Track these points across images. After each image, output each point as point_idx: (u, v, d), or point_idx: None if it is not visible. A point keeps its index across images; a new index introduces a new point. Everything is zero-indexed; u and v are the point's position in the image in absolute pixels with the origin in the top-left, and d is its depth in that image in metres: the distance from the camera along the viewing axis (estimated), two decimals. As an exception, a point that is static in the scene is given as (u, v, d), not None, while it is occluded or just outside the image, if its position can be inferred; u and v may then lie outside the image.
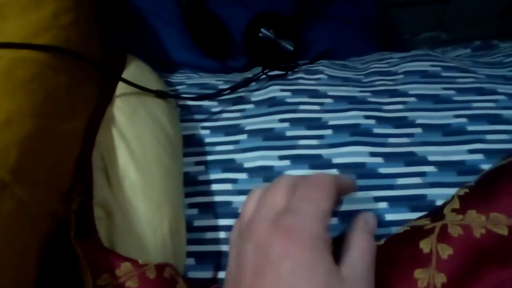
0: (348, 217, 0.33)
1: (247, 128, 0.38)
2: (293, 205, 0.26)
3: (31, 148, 0.25)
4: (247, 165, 0.36)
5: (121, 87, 0.35)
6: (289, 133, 0.37)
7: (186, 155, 0.37)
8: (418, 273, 0.26)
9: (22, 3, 0.30)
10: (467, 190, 0.28)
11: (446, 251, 0.25)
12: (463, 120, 0.37)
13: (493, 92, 0.39)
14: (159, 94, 0.36)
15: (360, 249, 0.29)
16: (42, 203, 0.25)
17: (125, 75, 0.36)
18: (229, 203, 0.35)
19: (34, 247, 0.24)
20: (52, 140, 0.27)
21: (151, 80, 0.38)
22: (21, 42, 0.28)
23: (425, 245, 0.26)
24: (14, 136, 0.24)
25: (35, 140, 0.25)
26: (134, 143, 0.31)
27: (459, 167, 0.34)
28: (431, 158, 0.35)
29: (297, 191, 0.27)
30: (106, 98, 0.33)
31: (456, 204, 0.27)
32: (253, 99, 0.41)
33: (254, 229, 0.26)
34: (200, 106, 0.41)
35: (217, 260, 0.33)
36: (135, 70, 0.38)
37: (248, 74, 0.47)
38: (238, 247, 0.27)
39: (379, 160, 0.35)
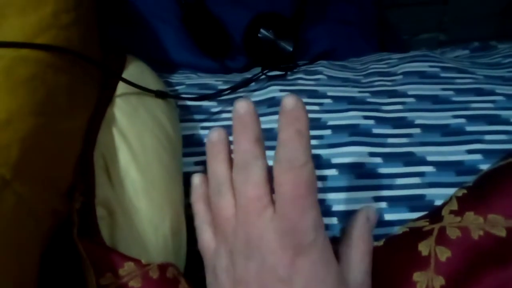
0: (347, 217, 0.33)
1: (247, 128, 0.38)
2: (289, 217, 0.25)
3: (32, 146, 0.25)
4: None
5: (121, 87, 0.35)
6: None
7: (185, 155, 0.37)
8: (417, 276, 0.26)
9: (23, 3, 0.30)
10: (465, 191, 0.28)
11: (444, 254, 0.26)
12: (462, 120, 0.37)
13: (492, 93, 0.39)
14: (159, 94, 0.37)
15: (360, 251, 0.29)
16: (43, 201, 0.25)
17: (125, 75, 0.36)
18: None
19: (35, 245, 0.24)
20: (53, 139, 0.27)
21: (151, 80, 0.38)
22: (22, 41, 0.28)
23: (423, 248, 0.26)
24: (15, 134, 0.24)
25: (36, 138, 0.25)
26: (135, 143, 0.31)
27: (458, 167, 0.34)
28: (430, 158, 0.35)
29: (280, 196, 0.26)
30: (106, 98, 0.33)
31: (454, 206, 0.28)
32: (252, 99, 0.41)
33: (253, 246, 0.26)
34: (200, 106, 0.41)
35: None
36: (135, 70, 0.38)
37: (248, 75, 0.47)
38: (233, 262, 0.27)
39: (378, 160, 0.35)
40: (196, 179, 0.33)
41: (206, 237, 0.30)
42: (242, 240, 0.26)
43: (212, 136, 0.31)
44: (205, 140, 0.31)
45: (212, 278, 0.29)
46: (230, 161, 0.30)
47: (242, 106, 0.28)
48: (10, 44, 0.27)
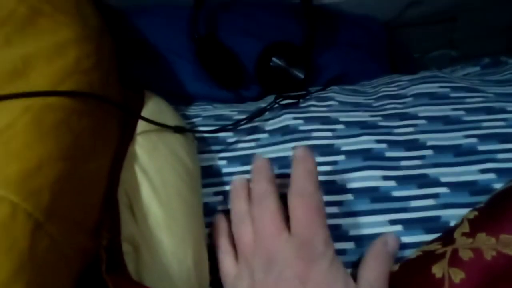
0: (364, 241, 0.34)
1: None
2: (303, 234, 0.30)
3: (61, 189, 0.26)
4: None
5: (141, 125, 0.37)
6: None
7: (204, 186, 0.38)
8: None
9: (48, 51, 0.32)
10: (476, 213, 0.29)
11: (458, 275, 0.26)
12: (474, 140, 0.38)
13: (503, 111, 0.40)
14: (177, 130, 0.38)
15: (375, 271, 0.30)
16: (73, 240, 0.27)
17: (144, 113, 0.38)
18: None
19: (67, 283, 0.25)
20: (80, 180, 0.29)
21: (169, 116, 0.40)
22: (48, 89, 0.30)
23: (437, 270, 0.27)
24: (46, 179, 0.26)
25: (65, 181, 0.27)
26: (156, 179, 0.33)
27: (472, 187, 0.35)
28: (443, 179, 0.36)
29: (295, 218, 0.31)
30: (127, 137, 0.35)
31: (466, 228, 0.28)
32: (267, 128, 0.43)
33: (272, 261, 0.30)
34: (217, 137, 0.42)
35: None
36: (154, 107, 0.40)
37: (261, 103, 0.48)
38: (254, 279, 0.30)
39: (392, 183, 0.36)
40: (218, 218, 0.36)
41: (227, 265, 0.33)
42: (262, 259, 0.30)
43: (236, 182, 0.36)
44: (230, 186, 0.37)
45: None
46: (249, 201, 0.35)
47: (260, 160, 0.36)
48: (38, 93, 0.29)
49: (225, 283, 0.33)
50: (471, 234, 0.27)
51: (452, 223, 0.33)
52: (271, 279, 0.29)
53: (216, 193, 0.38)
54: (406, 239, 0.33)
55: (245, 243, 0.32)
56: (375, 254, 0.32)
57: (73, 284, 0.26)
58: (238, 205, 0.35)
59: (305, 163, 0.33)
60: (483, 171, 0.36)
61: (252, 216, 0.33)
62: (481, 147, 0.37)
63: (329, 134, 0.40)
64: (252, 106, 0.48)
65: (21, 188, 0.24)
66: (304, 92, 0.46)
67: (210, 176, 0.39)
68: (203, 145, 0.42)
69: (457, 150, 0.37)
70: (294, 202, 0.32)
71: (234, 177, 0.37)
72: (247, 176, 0.37)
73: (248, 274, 0.31)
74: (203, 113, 0.46)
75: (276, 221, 0.31)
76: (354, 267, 0.33)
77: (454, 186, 0.35)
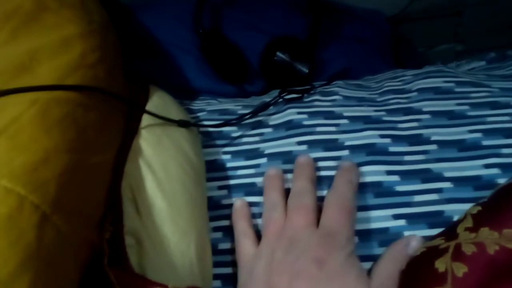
0: (367, 236, 0.34)
1: (267, 151, 0.40)
2: (330, 227, 0.32)
3: (68, 182, 0.27)
4: None
5: (145, 119, 0.37)
6: None
7: (209, 180, 0.39)
8: None
9: (54, 46, 0.33)
10: (479, 208, 0.29)
11: (461, 270, 0.26)
12: (478, 135, 0.38)
13: (508, 106, 0.40)
14: (181, 124, 0.38)
15: (388, 270, 0.30)
16: (78, 232, 0.27)
17: (149, 106, 0.38)
18: (253, 226, 0.36)
19: (73, 276, 0.26)
20: (85, 173, 0.29)
21: (173, 110, 0.40)
22: (54, 83, 0.30)
23: (440, 265, 0.27)
24: (52, 172, 0.26)
25: (70, 174, 0.27)
26: (160, 172, 0.33)
27: (476, 182, 0.35)
28: (447, 174, 0.36)
29: (327, 213, 0.33)
30: (132, 130, 0.36)
31: (469, 223, 0.28)
32: (271, 122, 0.43)
33: (295, 244, 0.32)
34: (221, 131, 0.42)
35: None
36: (158, 101, 0.40)
37: (266, 98, 0.48)
38: (273, 257, 0.32)
39: (395, 178, 0.36)
40: (238, 202, 0.37)
41: (246, 246, 0.34)
42: (286, 241, 0.32)
43: (271, 172, 0.38)
44: (264, 176, 0.38)
45: (246, 278, 0.32)
46: (283, 192, 0.36)
47: (304, 158, 0.37)
48: (44, 87, 0.29)
49: (241, 261, 0.34)
50: (474, 229, 0.27)
51: (456, 218, 0.33)
52: (289, 259, 0.31)
53: (220, 187, 0.38)
54: (409, 234, 0.33)
55: (273, 228, 0.34)
56: (393, 255, 0.32)
57: (79, 276, 0.27)
58: (272, 195, 0.36)
59: (349, 174, 0.35)
60: (487, 166, 0.36)
61: (287, 206, 0.34)
62: (486, 142, 0.37)
63: (333, 128, 0.40)
64: (256, 101, 0.48)
65: (28, 181, 0.24)
66: (308, 87, 0.46)
67: (214, 170, 0.39)
68: (207, 139, 0.42)
69: (461, 145, 0.37)
70: (330, 200, 0.34)
71: (268, 168, 0.38)
72: (282, 167, 0.38)
73: (268, 253, 0.32)
74: (208, 107, 0.46)
75: (310, 217, 0.33)
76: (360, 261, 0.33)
77: (458, 181, 0.35)
